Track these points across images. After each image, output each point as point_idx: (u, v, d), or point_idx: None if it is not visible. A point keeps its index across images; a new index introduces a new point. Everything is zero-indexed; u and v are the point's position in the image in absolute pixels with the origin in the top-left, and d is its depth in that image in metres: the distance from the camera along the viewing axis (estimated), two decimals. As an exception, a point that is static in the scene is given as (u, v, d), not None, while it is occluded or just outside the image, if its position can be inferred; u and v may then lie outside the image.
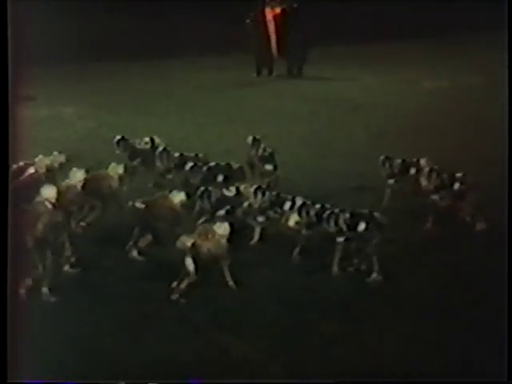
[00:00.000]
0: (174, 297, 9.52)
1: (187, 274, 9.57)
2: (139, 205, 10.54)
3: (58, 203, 9.88)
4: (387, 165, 12.12)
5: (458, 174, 11.36)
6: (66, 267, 10.12)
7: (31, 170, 11.51)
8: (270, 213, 10.84)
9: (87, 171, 11.04)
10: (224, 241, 9.77)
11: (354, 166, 13.74)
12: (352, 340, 8.74)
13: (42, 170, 11.58)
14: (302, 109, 18.04)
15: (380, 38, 24.53)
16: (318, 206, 10.33)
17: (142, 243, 10.55)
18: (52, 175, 11.48)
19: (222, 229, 9.82)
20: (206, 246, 9.67)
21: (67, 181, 10.91)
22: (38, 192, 10.50)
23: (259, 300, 9.56)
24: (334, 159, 14.40)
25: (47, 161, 11.70)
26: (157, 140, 12.98)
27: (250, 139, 12.72)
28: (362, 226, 9.97)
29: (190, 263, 9.56)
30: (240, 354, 8.54)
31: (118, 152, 12.90)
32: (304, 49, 21.30)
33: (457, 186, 11.27)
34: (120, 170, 11.53)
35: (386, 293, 9.68)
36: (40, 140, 14.10)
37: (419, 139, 15.20)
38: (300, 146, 15.18)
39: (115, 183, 11.46)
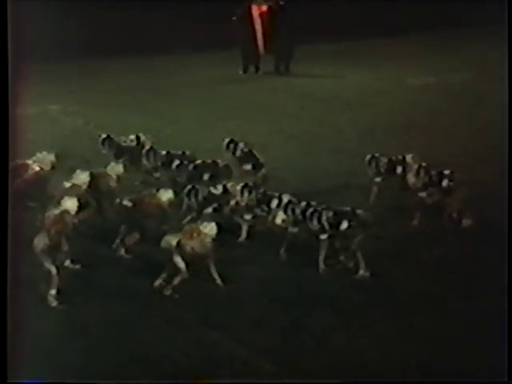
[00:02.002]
0: (168, 292, 9.56)
1: (178, 271, 9.60)
2: (126, 203, 10.54)
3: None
4: (373, 164, 12.14)
5: (446, 172, 11.38)
6: (67, 262, 10.14)
7: (36, 168, 11.46)
8: (257, 211, 10.84)
9: (91, 174, 11.08)
10: (209, 240, 9.78)
11: (342, 164, 13.76)
12: (340, 336, 8.76)
13: (48, 167, 11.53)
14: (289, 106, 18.03)
15: (367, 35, 24.53)
16: (303, 203, 10.35)
17: (129, 241, 10.55)
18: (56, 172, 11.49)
19: (209, 228, 9.83)
20: (191, 245, 9.69)
21: (72, 181, 10.92)
22: (43, 190, 10.55)
23: (246, 296, 9.58)
24: (322, 156, 14.40)
25: (51, 157, 11.65)
26: (142, 138, 12.96)
27: (225, 142, 12.59)
28: (344, 225, 10.01)
29: (179, 261, 9.60)
30: (228, 351, 8.55)
31: (104, 151, 12.88)
32: (291, 46, 21.27)
33: (445, 183, 11.29)
34: (120, 169, 11.54)
35: (374, 289, 9.69)
36: (27, 138, 14.03)
37: (407, 136, 15.22)
38: (288, 143, 15.18)
39: (113, 183, 11.45)
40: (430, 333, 8.76)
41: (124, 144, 12.92)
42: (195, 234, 9.76)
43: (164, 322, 9.09)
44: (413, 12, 24.96)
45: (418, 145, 13.92)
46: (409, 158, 11.96)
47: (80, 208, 10.05)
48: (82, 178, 11.01)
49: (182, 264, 9.59)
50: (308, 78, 20.92)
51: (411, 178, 11.65)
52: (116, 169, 11.55)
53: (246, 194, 10.87)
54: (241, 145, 12.45)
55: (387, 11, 24.77)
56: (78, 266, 10.23)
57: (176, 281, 9.61)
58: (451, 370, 8.14)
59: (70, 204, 9.95)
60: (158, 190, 10.81)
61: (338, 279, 9.92)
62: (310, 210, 10.21)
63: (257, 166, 12.22)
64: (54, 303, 9.48)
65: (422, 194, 11.36)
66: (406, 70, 21.22)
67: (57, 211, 9.82)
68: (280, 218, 10.37)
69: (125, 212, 10.58)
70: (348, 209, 10.12)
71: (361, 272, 9.97)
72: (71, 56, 21.58)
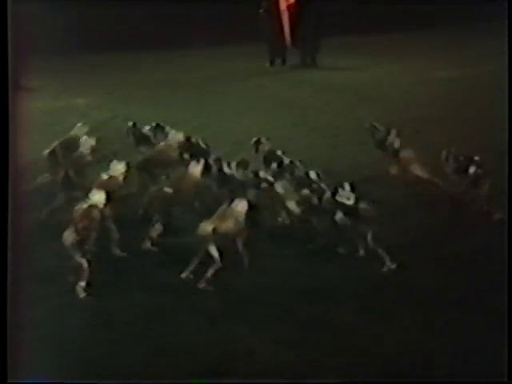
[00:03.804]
0: (201, 285, 9.63)
1: (211, 262, 9.66)
2: (167, 189, 10.64)
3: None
4: (450, 160, 11.83)
5: (476, 158, 11.29)
6: (117, 251, 10.32)
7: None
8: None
9: (128, 164, 11.14)
10: (242, 217, 9.91)
11: (366, 157, 13.77)
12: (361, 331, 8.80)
13: (88, 152, 11.62)
14: (314, 98, 18.05)
15: (393, 27, 24.46)
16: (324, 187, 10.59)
17: (153, 233, 10.64)
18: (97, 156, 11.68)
19: (240, 205, 9.98)
20: (225, 228, 9.78)
21: (109, 172, 11.00)
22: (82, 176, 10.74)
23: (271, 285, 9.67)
24: (346, 149, 14.42)
25: (92, 142, 11.71)
26: (163, 125, 12.99)
27: (252, 141, 12.53)
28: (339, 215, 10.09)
29: (214, 250, 9.66)
30: (252, 345, 8.60)
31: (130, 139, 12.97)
32: (318, 38, 21.28)
33: (472, 169, 11.17)
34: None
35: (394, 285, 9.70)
36: (54, 131, 14.23)
37: (433, 129, 15.20)
38: (312, 136, 15.22)
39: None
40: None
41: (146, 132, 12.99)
42: (228, 214, 9.88)
43: (191, 315, 9.14)
44: (440, 4, 24.85)
45: (447, 138, 13.91)
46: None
47: (108, 200, 10.11)
48: (119, 168, 11.05)
49: (216, 253, 9.63)
50: (334, 71, 20.92)
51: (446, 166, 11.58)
52: None
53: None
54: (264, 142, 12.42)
55: (414, 4, 24.67)
56: (124, 254, 10.34)
57: (209, 273, 9.63)
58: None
59: (98, 197, 10.03)
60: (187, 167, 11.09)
61: (362, 272, 9.97)
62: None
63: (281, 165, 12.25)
64: (82, 295, 9.61)
65: (454, 178, 11.25)
66: (431, 63, 21.16)
67: (85, 205, 9.96)
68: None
69: (161, 200, 10.68)
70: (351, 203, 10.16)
71: (387, 264, 9.98)
72: (99, 49, 21.74)
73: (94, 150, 11.79)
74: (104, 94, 18.29)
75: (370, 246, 10.00)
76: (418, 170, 11.54)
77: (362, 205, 10.09)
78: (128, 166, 11.12)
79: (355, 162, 13.63)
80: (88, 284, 9.55)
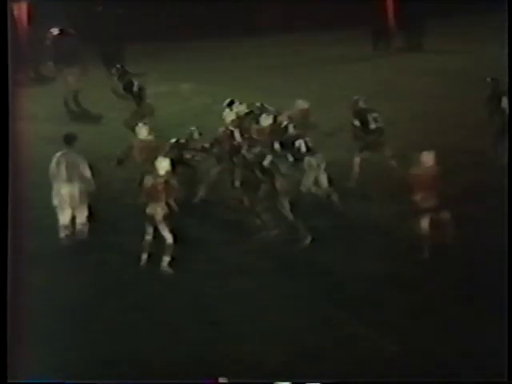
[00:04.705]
0: None
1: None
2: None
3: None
4: None
5: None
6: None
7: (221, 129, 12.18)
8: None
9: (275, 117, 12.06)
10: None
11: (471, 141, 13.49)
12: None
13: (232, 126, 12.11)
14: (418, 82, 17.74)
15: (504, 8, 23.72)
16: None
17: None
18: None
19: None
20: None
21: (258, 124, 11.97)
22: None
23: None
24: (450, 134, 14.15)
25: (233, 115, 12.36)
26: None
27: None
28: None
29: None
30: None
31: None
32: (423, 21, 20.88)
33: None
34: None
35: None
36: (159, 116, 14.44)
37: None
38: (416, 120, 14.98)
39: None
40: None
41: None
42: None
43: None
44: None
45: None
46: None
47: (174, 167, 10.45)
48: (268, 120, 12.04)
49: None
50: (440, 54, 20.47)
51: None
52: None
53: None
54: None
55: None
56: None
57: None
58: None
59: (165, 164, 10.26)
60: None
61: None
62: None
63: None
64: (168, 270, 9.92)
65: None
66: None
67: (160, 179, 10.10)
68: None
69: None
70: None
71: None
72: (202, 35, 21.84)
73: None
74: (208, 79, 18.39)
75: None
76: None
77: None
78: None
79: (460, 146, 13.36)
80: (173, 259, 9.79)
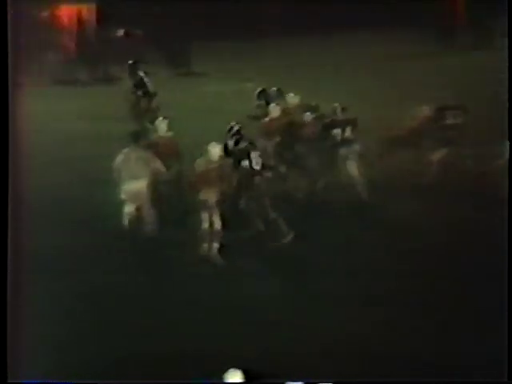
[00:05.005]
0: None
1: None
2: None
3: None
4: None
5: None
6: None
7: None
8: None
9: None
10: None
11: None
12: None
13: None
14: (484, 81, 17.48)
15: None
16: None
17: None
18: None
19: None
20: None
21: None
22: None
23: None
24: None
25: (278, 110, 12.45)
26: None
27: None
28: None
29: None
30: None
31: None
32: (492, 19, 20.53)
33: None
34: None
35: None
36: (220, 113, 14.52)
37: None
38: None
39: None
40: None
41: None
42: None
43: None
44: None
45: None
46: None
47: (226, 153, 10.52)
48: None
49: None
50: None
51: None
52: None
53: None
54: None
55: None
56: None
57: None
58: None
59: (217, 150, 10.37)
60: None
61: None
62: None
63: None
64: (217, 257, 10.00)
65: None
66: None
67: (214, 165, 10.22)
68: None
69: None
70: None
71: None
72: (267, 34, 21.85)
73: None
74: (271, 78, 18.40)
75: None
76: None
77: None
78: None
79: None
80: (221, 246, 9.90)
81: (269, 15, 22.48)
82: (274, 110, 12.44)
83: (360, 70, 19.19)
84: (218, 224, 10.14)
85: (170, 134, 11.81)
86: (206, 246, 10.26)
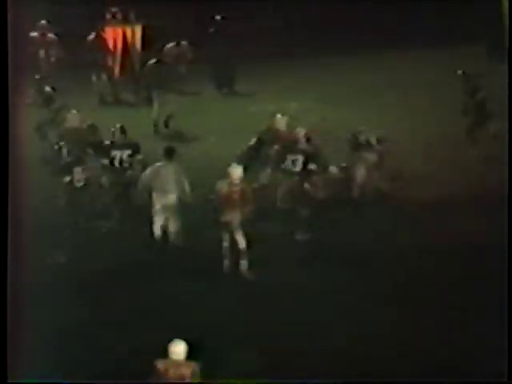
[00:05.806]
0: None
1: None
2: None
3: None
4: None
5: None
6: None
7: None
8: None
9: None
10: None
11: None
12: None
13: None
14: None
15: None
16: None
17: None
18: None
19: None
20: None
21: None
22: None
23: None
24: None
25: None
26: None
27: None
28: None
29: None
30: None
31: None
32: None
33: None
34: None
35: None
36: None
37: None
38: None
39: None
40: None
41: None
42: None
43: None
44: None
45: None
46: None
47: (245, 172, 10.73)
48: None
49: None
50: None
51: None
52: None
53: None
54: None
55: None
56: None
57: None
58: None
59: (239, 171, 10.52)
60: None
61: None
62: None
63: None
64: (247, 274, 10.21)
65: None
66: None
67: (237, 188, 10.31)
68: None
69: None
70: None
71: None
72: (311, 54, 21.66)
73: None
74: (316, 98, 18.35)
75: None
76: None
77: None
78: None
79: None
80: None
81: (313, 34, 22.26)
82: None
83: (407, 93, 18.91)
84: (242, 243, 10.22)
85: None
86: (227, 262, 10.50)
